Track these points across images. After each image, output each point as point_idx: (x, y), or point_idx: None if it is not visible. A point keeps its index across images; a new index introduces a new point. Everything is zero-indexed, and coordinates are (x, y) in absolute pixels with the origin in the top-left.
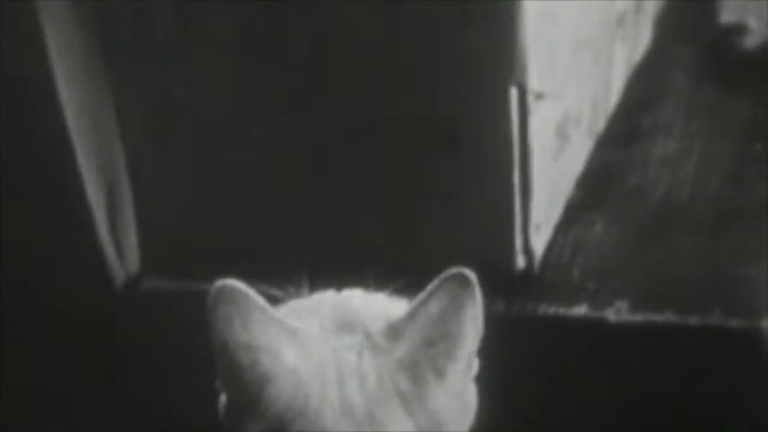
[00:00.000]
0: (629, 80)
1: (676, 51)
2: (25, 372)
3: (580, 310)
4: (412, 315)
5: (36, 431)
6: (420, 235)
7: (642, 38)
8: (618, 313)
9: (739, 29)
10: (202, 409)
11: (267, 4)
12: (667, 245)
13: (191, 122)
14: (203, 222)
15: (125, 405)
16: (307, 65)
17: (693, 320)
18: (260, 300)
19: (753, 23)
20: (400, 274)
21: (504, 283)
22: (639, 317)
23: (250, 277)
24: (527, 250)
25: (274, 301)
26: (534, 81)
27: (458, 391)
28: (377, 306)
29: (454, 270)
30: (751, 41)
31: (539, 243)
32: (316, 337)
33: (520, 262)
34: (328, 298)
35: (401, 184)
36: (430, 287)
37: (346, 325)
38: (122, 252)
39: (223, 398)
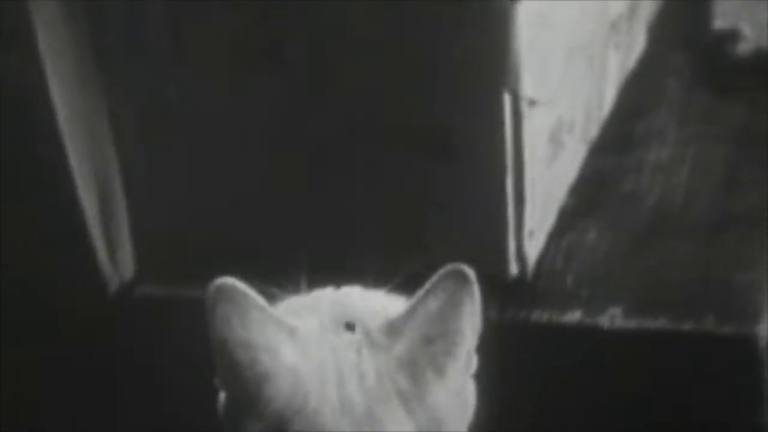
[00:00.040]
0: (623, 87)
1: (670, 57)
2: (20, 376)
3: (574, 316)
4: (410, 312)
5: None
6: (413, 241)
7: (635, 45)
8: (612, 319)
9: (733, 36)
10: (198, 414)
11: (262, 7)
12: (661, 252)
13: (185, 126)
14: (198, 227)
15: (121, 410)
16: (302, 69)
17: (687, 326)
18: (259, 298)
19: (747, 30)
20: (399, 271)
21: (497, 290)
22: (633, 324)
23: (247, 278)
24: (520, 257)
25: (272, 299)
26: (527, 88)
27: (457, 388)
28: (376, 303)
29: (452, 266)
30: (744, 48)
31: (532, 249)
32: (315, 335)
33: (513, 268)
34: (326, 296)
35: (394, 189)
36: (428, 284)
37: (345, 322)
38: (116, 257)
39: (222, 396)
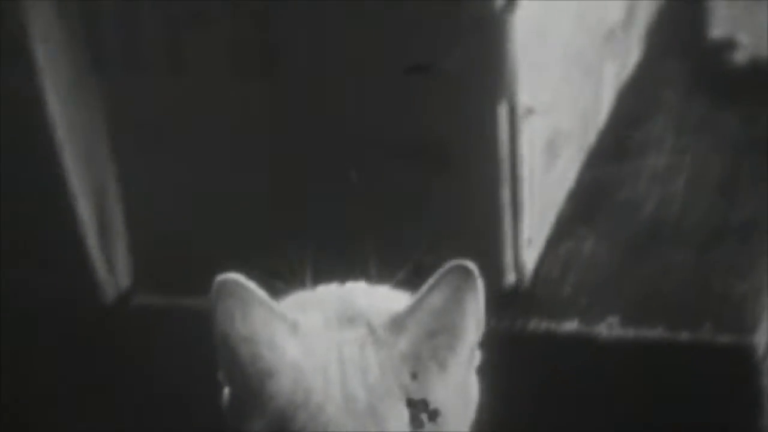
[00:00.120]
0: (619, 95)
1: (667, 66)
2: (17, 384)
3: (571, 325)
4: (414, 307)
5: None
6: (410, 251)
7: (632, 54)
8: (609, 328)
9: (729, 44)
10: (195, 422)
11: (260, 17)
12: (658, 260)
13: (182, 138)
14: (195, 236)
15: (119, 419)
16: (299, 79)
17: (684, 335)
18: (262, 293)
19: (743, 38)
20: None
21: (494, 299)
22: (630, 332)
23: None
24: (517, 266)
25: (277, 294)
26: (524, 97)
27: (460, 383)
28: (380, 299)
29: (455, 262)
30: (741, 56)
31: (530, 258)
32: (318, 330)
33: (511, 277)
34: (331, 291)
35: (391, 198)
36: (431, 279)
37: (349, 318)
38: (113, 267)
39: (225, 391)
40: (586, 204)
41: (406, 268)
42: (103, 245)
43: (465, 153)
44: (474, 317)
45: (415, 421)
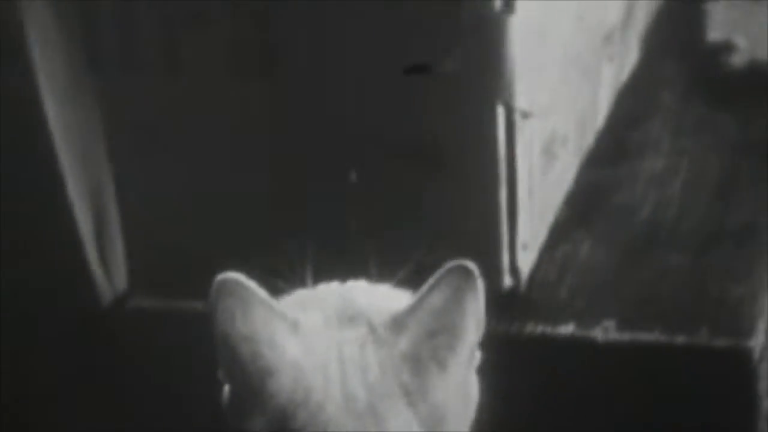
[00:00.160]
0: (617, 98)
1: (664, 69)
2: (13, 388)
3: (568, 329)
4: (414, 307)
5: None
6: (407, 252)
7: (629, 56)
8: (605, 332)
9: (727, 47)
10: (192, 424)
11: (258, 17)
12: (655, 264)
13: (180, 139)
14: (192, 239)
15: (116, 422)
16: (297, 79)
17: (680, 339)
18: (262, 292)
19: (741, 41)
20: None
21: (491, 302)
22: (626, 336)
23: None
24: (514, 269)
25: (278, 292)
26: (521, 100)
27: (460, 383)
28: (380, 298)
29: (455, 262)
30: (738, 59)
31: (526, 262)
32: (318, 329)
33: (507, 281)
34: (331, 290)
35: (387, 201)
36: (432, 279)
37: (350, 317)
38: (109, 270)
39: (226, 390)
40: (583, 207)
41: (407, 268)
42: (100, 247)
43: (462, 155)
44: (474, 317)
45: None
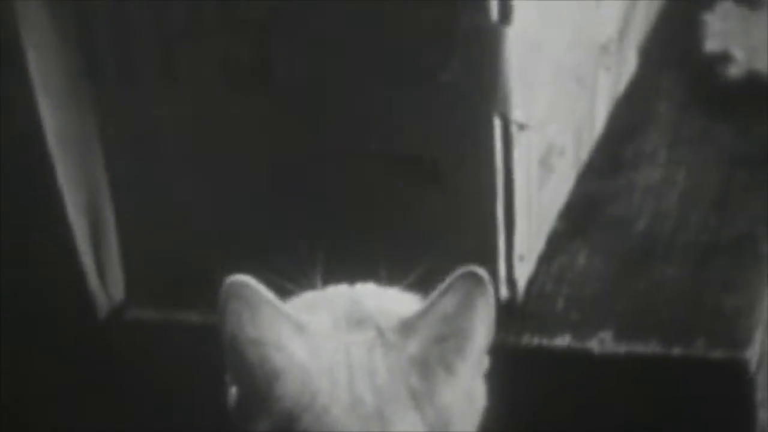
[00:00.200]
0: (613, 109)
1: (661, 80)
2: (8, 400)
3: (564, 340)
4: (424, 312)
5: None
6: (403, 266)
7: (626, 67)
8: (602, 343)
9: (725, 58)
10: None
11: (254, 28)
12: (651, 276)
13: (176, 147)
14: (189, 249)
15: None
16: (293, 89)
17: (676, 351)
18: (271, 295)
19: (738, 52)
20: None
21: None
22: (623, 348)
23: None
24: (510, 281)
25: (287, 294)
26: (517, 112)
27: (468, 388)
28: (389, 301)
29: (466, 268)
30: (735, 70)
31: (522, 273)
32: (326, 332)
33: (504, 292)
34: (340, 293)
35: (383, 214)
36: (443, 285)
37: (358, 320)
38: (106, 280)
39: (232, 392)
40: (580, 218)
41: (416, 272)
42: (97, 258)
43: (459, 166)
44: (484, 323)
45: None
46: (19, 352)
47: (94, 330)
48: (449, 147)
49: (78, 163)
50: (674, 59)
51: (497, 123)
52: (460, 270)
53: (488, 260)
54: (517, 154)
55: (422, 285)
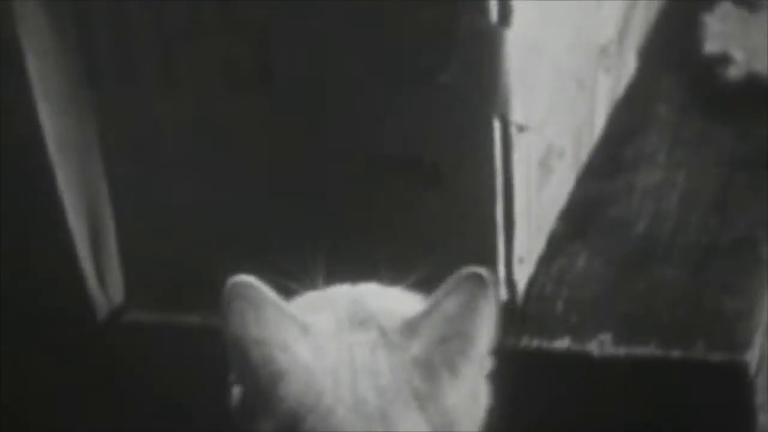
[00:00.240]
0: (613, 111)
1: (660, 81)
2: (8, 403)
3: (563, 343)
4: (427, 312)
5: None
6: (402, 268)
7: (626, 69)
8: (601, 346)
9: (724, 60)
10: None
11: (253, 30)
12: (651, 278)
13: (176, 150)
14: (188, 252)
15: None
16: (293, 91)
17: (676, 353)
18: (274, 296)
19: (738, 54)
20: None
21: None
22: (622, 350)
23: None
24: (510, 283)
25: (289, 294)
26: (517, 113)
27: (471, 389)
28: (392, 301)
29: (470, 269)
30: (735, 72)
31: (522, 276)
32: (330, 332)
33: (503, 294)
34: (343, 293)
35: (383, 215)
36: (445, 286)
37: (361, 320)
38: (105, 283)
39: (236, 392)
40: (579, 220)
41: (418, 272)
42: (96, 261)
43: (458, 168)
44: (487, 324)
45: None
46: (19, 354)
47: (94, 332)
48: (449, 148)
49: (78, 167)
50: (674, 61)
51: (497, 125)
52: (464, 271)
53: (488, 262)
54: (517, 155)
55: (422, 286)
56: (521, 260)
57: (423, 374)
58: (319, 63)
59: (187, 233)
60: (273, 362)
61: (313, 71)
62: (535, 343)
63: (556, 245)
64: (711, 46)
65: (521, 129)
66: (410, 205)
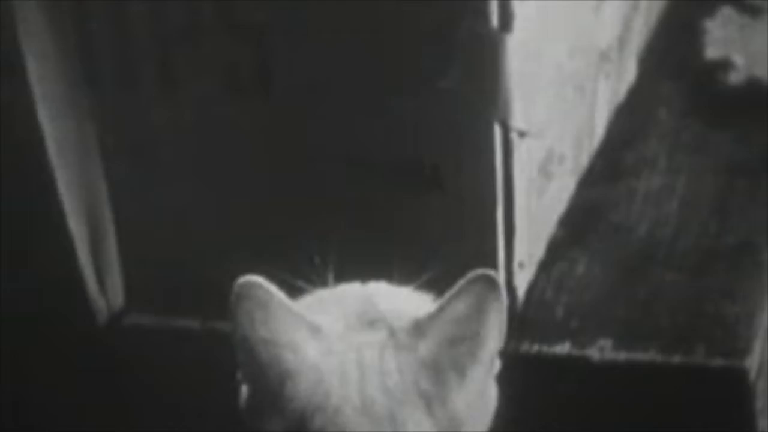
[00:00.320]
0: (613, 116)
1: (661, 87)
2: (8, 406)
3: (563, 348)
4: (437, 314)
5: None
6: (402, 273)
7: (626, 74)
8: (601, 351)
9: (725, 65)
10: None
11: (253, 35)
12: (651, 283)
13: (175, 154)
14: (188, 256)
15: None
16: (292, 97)
17: (676, 358)
18: (282, 296)
19: (739, 59)
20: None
21: None
22: (622, 355)
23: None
24: (510, 288)
25: (299, 292)
26: (517, 119)
27: (479, 391)
28: (402, 302)
29: (480, 271)
30: (736, 77)
31: (522, 281)
32: (338, 332)
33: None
34: (352, 292)
35: (383, 220)
36: (456, 287)
37: (370, 320)
38: (105, 286)
39: (244, 391)
40: (579, 225)
41: (429, 273)
42: (96, 265)
43: (459, 173)
44: (496, 326)
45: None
46: (20, 357)
47: (94, 335)
48: (449, 153)
49: (77, 170)
50: (674, 66)
51: (497, 130)
52: (473, 273)
53: (488, 267)
54: (517, 160)
55: (424, 288)
56: (521, 265)
57: (431, 375)
58: (319, 67)
59: (186, 237)
60: (281, 362)
61: (313, 75)
62: (535, 348)
63: (556, 250)
64: (712, 52)
65: (522, 134)
66: (410, 211)
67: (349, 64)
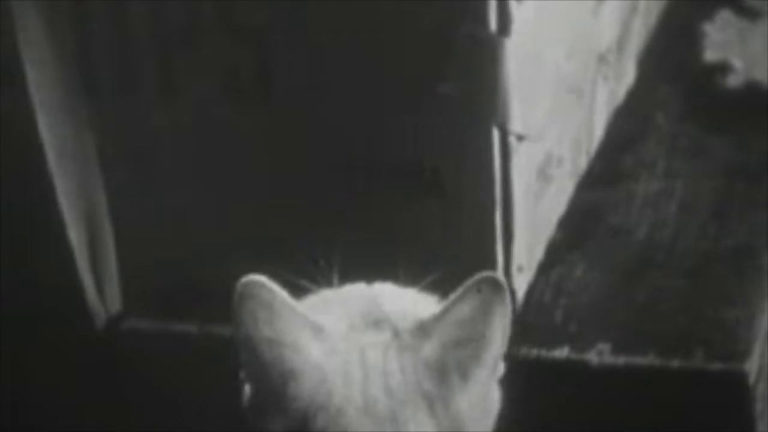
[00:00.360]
0: (612, 119)
1: (659, 90)
2: (5, 411)
3: (562, 352)
4: (441, 315)
5: None
6: (401, 277)
7: (625, 77)
8: (600, 355)
9: (723, 68)
10: None
11: (253, 40)
12: (650, 287)
13: (174, 159)
14: (186, 260)
15: None
16: (292, 102)
17: (675, 362)
18: (286, 295)
19: (737, 62)
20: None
21: None
22: (621, 359)
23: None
24: (509, 292)
25: (303, 292)
26: (516, 122)
27: (482, 393)
28: (406, 302)
29: (485, 273)
30: (735, 80)
31: (521, 284)
32: (342, 332)
33: None
34: (357, 292)
35: (382, 224)
36: (461, 289)
37: (374, 321)
38: (103, 291)
39: (247, 390)
40: (578, 229)
41: (434, 274)
42: (94, 269)
43: (457, 177)
44: (501, 329)
45: None
46: (18, 361)
47: (92, 340)
48: (448, 157)
49: (76, 176)
50: (673, 69)
51: (496, 133)
52: (478, 275)
53: (486, 270)
54: (516, 163)
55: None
56: (520, 268)
57: (434, 377)
58: (319, 69)
59: (185, 241)
60: (284, 362)
61: (313, 77)
62: (533, 352)
63: (555, 253)
64: (711, 55)
65: (520, 138)
66: (409, 214)
67: (349, 66)
